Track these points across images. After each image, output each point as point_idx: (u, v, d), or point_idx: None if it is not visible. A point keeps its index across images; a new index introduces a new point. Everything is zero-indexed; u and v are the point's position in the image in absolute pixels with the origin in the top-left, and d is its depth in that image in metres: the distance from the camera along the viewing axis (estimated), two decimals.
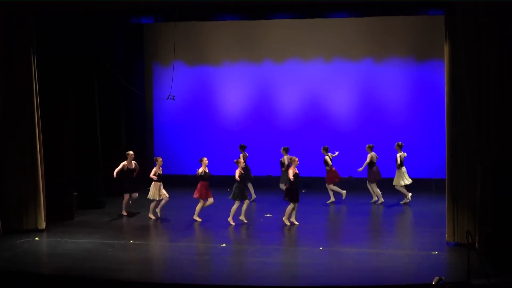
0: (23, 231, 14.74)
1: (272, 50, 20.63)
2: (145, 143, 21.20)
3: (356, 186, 19.08)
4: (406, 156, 17.85)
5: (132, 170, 16.65)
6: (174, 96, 16.86)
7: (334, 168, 18.04)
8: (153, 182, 16.08)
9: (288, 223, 15.28)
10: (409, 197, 17.76)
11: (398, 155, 17.64)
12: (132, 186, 16.67)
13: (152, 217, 16.19)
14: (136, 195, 16.79)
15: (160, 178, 16.11)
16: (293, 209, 15.26)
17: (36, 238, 14.41)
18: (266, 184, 19.09)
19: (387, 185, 18.26)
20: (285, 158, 17.80)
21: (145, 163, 21.16)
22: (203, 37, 20.84)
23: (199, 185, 15.75)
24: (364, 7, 14.39)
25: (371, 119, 20.19)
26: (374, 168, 17.91)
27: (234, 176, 15.21)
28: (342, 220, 16.04)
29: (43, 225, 14.99)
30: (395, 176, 17.74)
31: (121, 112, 19.69)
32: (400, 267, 12.06)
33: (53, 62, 15.80)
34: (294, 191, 15.13)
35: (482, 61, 12.94)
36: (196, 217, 15.84)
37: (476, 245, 12.79)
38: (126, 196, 16.65)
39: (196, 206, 15.85)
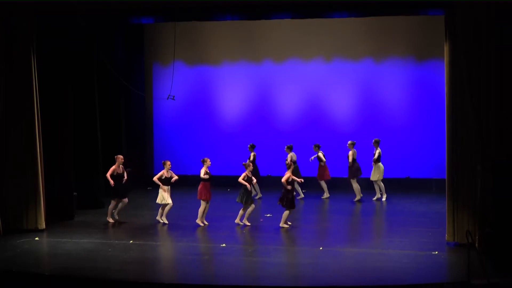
0: (23, 231, 14.72)
1: (272, 50, 20.63)
2: (145, 143, 21.20)
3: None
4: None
5: (121, 175, 15.72)
6: (174, 96, 16.90)
7: (326, 166, 18.41)
8: (161, 186, 15.39)
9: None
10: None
11: (377, 151, 18.08)
12: (121, 192, 15.70)
13: (164, 221, 15.54)
14: (126, 201, 15.79)
15: (167, 182, 15.43)
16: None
17: (36, 238, 14.40)
18: (266, 184, 19.07)
19: (388, 185, 18.27)
20: (289, 157, 17.93)
21: (145, 164, 21.23)
22: (203, 37, 20.83)
23: (201, 186, 15.47)
24: (364, 7, 14.39)
25: (371, 119, 20.19)
26: (356, 165, 18.26)
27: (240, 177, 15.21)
28: (342, 220, 16.02)
29: (43, 225, 14.98)
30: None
31: (121, 112, 19.69)
32: (400, 267, 12.04)
33: (53, 62, 15.80)
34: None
35: (482, 61, 12.94)
36: (199, 221, 15.41)
37: (476, 245, 12.79)
38: (113, 202, 15.78)
39: (198, 208, 15.51)
